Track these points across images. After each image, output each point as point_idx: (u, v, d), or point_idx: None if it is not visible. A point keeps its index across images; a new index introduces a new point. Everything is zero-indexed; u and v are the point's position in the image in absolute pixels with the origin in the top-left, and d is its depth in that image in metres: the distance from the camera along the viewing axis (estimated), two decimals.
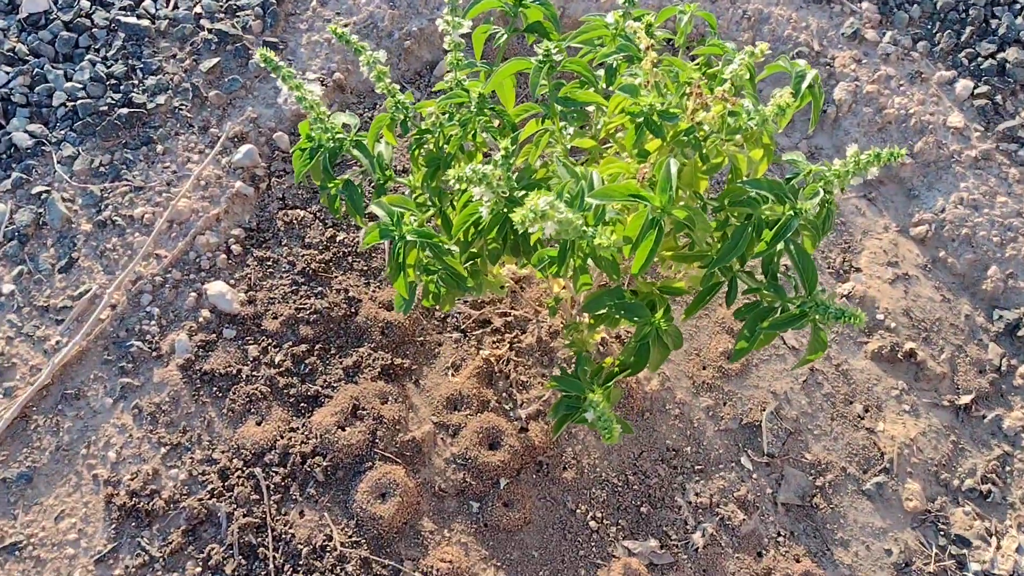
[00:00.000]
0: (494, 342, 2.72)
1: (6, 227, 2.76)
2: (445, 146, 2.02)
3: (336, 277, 2.79)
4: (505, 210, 1.77)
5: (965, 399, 2.74)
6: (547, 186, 1.90)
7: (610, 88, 2.02)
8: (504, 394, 2.64)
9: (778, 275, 1.81)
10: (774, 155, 1.87)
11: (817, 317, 1.70)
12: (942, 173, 3.04)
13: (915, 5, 3.33)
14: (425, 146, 2.06)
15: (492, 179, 1.65)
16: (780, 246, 1.69)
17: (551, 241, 1.71)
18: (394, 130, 2.07)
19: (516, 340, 2.72)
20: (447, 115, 2.00)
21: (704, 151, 1.77)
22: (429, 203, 2.08)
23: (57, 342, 2.62)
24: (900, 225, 3.02)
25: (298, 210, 2.89)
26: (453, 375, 2.68)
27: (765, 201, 1.71)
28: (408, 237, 1.87)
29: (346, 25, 3.17)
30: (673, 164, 1.60)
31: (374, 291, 2.77)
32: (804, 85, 1.83)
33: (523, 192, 1.79)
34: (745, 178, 1.86)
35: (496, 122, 2.01)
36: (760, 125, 1.70)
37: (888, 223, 3.02)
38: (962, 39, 3.27)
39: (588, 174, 1.72)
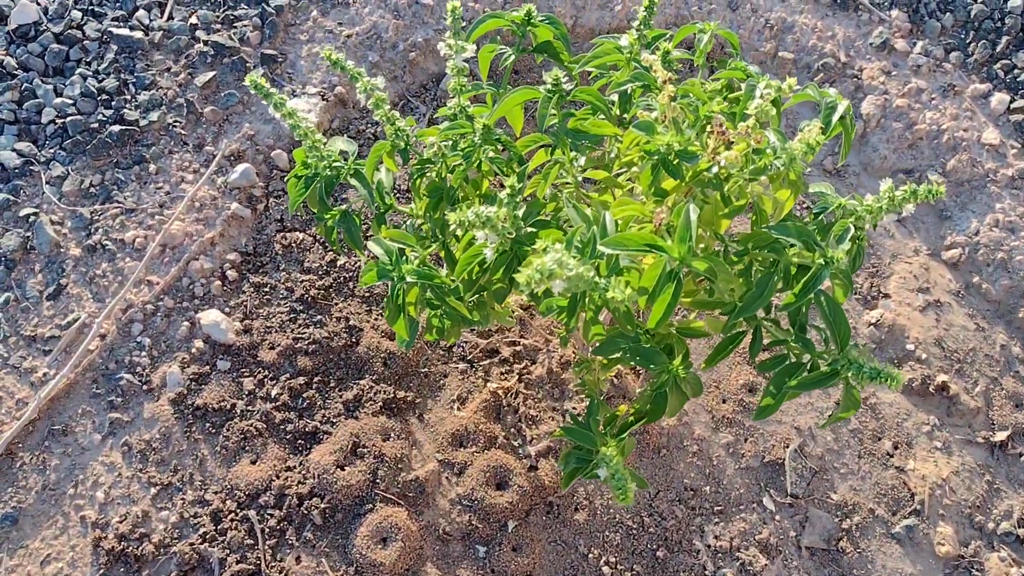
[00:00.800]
0: (502, 373, 2.59)
1: None
2: (448, 175, 1.89)
3: (336, 304, 2.65)
4: (511, 249, 1.64)
5: (1001, 435, 2.58)
6: (557, 223, 1.77)
7: (624, 115, 1.89)
8: (512, 429, 2.51)
9: (807, 326, 1.66)
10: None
11: (850, 375, 1.56)
12: (976, 193, 2.88)
13: (948, 13, 3.16)
14: (427, 175, 1.94)
15: (496, 221, 1.52)
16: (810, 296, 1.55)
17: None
18: (394, 157, 1.95)
19: (525, 371, 2.59)
20: (451, 142, 1.87)
21: (726, 192, 1.63)
22: (432, 235, 1.96)
23: (44, 374, 2.50)
24: (931, 248, 2.86)
25: (297, 232, 2.75)
26: (459, 409, 2.54)
27: (792, 246, 1.57)
28: (408, 278, 1.75)
29: (348, 36, 3.03)
30: (692, 211, 1.46)
31: (376, 319, 2.63)
32: (835, 118, 1.69)
33: (531, 230, 1.66)
34: (771, 219, 1.72)
35: (502, 150, 1.88)
36: (787, 165, 1.55)
37: (919, 246, 2.86)
38: (998, 49, 3.09)
39: (600, 217, 1.58)
